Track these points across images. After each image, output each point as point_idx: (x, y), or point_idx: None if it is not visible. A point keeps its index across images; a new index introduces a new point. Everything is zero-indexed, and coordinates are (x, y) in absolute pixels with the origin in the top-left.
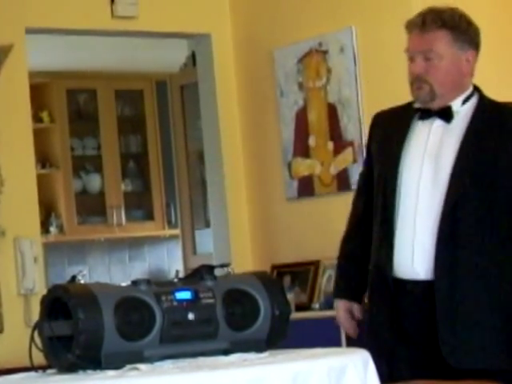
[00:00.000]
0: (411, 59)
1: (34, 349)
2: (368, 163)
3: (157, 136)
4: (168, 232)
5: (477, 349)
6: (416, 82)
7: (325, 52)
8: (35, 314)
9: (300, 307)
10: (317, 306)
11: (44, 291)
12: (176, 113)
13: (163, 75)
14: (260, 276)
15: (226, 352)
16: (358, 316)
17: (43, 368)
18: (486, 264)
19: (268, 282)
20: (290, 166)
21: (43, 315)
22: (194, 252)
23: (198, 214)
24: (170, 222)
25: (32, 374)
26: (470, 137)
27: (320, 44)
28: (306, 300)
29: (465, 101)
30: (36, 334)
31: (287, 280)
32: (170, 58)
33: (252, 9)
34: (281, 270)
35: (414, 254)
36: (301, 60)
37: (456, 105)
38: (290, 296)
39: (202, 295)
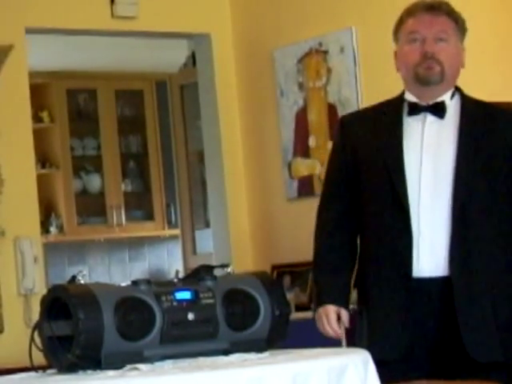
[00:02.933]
0: (422, 40)
1: (34, 349)
2: (342, 166)
3: (157, 136)
4: (168, 232)
5: (497, 342)
6: (426, 61)
7: (325, 52)
8: (35, 313)
9: (300, 307)
10: None
11: (44, 291)
12: (176, 113)
13: (163, 75)
14: (260, 276)
15: (225, 352)
16: (346, 323)
17: (43, 368)
18: (497, 258)
19: (268, 282)
20: (290, 166)
21: (43, 315)
22: (194, 252)
23: (197, 214)
24: (169, 222)
25: (32, 374)
26: (465, 134)
27: (320, 44)
28: (306, 300)
29: (452, 95)
30: (36, 333)
31: (287, 280)
32: (169, 58)
33: (252, 9)
34: (281, 270)
35: (420, 250)
36: (301, 60)
37: (447, 99)
38: (290, 296)
39: (201, 295)
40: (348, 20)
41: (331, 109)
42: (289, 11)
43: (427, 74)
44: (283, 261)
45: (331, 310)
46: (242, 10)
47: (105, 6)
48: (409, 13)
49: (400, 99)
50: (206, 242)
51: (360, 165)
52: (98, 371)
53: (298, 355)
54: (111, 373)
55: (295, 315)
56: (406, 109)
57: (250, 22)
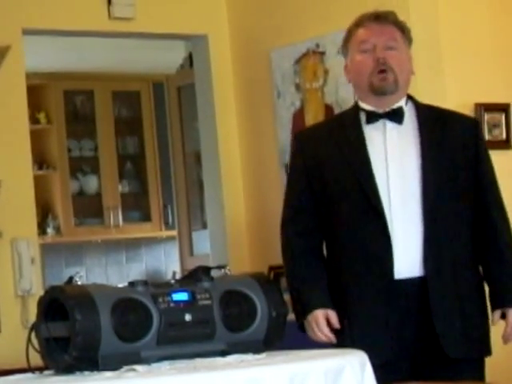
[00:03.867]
0: (373, 48)
1: (31, 350)
2: (305, 182)
3: (154, 137)
4: (165, 233)
5: (466, 338)
6: (379, 66)
7: (322, 53)
8: (32, 315)
9: None
10: None
11: (41, 292)
12: (173, 114)
13: (160, 76)
14: (257, 277)
15: (223, 353)
16: (336, 324)
17: (40, 369)
18: (463, 255)
19: (265, 283)
20: (287, 167)
21: (40, 316)
22: (191, 253)
23: (194, 215)
24: (167, 223)
25: (29, 375)
26: (425, 137)
27: (317, 45)
28: None
29: (406, 103)
30: (33, 335)
31: (284, 281)
32: (166, 59)
33: (249, 10)
34: (278, 270)
35: (396, 253)
36: (298, 61)
37: (403, 105)
38: (287, 297)
39: (198, 296)
40: (345, 21)
41: (328, 110)
42: (286, 12)
43: (382, 84)
44: (280, 262)
45: (320, 314)
46: (238, 11)
47: (102, 7)
48: (357, 24)
49: (355, 109)
50: (202, 243)
51: (327, 178)
52: (95, 372)
53: (295, 356)
54: (108, 374)
55: (292, 316)
56: (363, 117)
57: (246, 24)
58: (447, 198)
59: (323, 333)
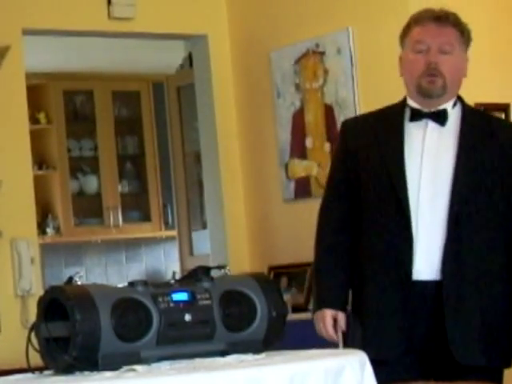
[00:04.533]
0: (427, 49)
1: (30, 350)
2: (344, 170)
3: (154, 137)
4: (165, 233)
5: (482, 346)
6: (429, 70)
7: (322, 53)
8: (32, 315)
9: (297, 308)
10: None
11: (41, 292)
12: (173, 114)
13: (160, 76)
14: (257, 277)
15: (222, 353)
16: (343, 326)
17: (40, 369)
18: (489, 266)
19: (265, 283)
20: (286, 167)
21: (40, 316)
22: (191, 253)
23: (194, 215)
24: (166, 223)
25: (29, 375)
26: (465, 141)
27: (317, 45)
28: (303, 301)
29: (454, 104)
30: (33, 335)
31: (284, 281)
32: (166, 59)
33: (249, 10)
34: (278, 271)
35: (417, 254)
36: (298, 61)
37: (449, 107)
38: (287, 297)
39: (198, 296)
40: (345, 21)
41: (328, 110)
42: (285, 12)
43: (430, 87)
44: (280, 262)
45: (328, 314)
46: (238, 11)
47: (102, 7)
48: (416, 21)
49: (402, 105)
50: (202, 243)
51: (361, 170)
52: (95, 372)
53: (295, 356)
54: (108, 374)
55: (292, 316)
56: (407, 114)
57: (246, 24)
58: (478, 204)
59: (327, 332)
